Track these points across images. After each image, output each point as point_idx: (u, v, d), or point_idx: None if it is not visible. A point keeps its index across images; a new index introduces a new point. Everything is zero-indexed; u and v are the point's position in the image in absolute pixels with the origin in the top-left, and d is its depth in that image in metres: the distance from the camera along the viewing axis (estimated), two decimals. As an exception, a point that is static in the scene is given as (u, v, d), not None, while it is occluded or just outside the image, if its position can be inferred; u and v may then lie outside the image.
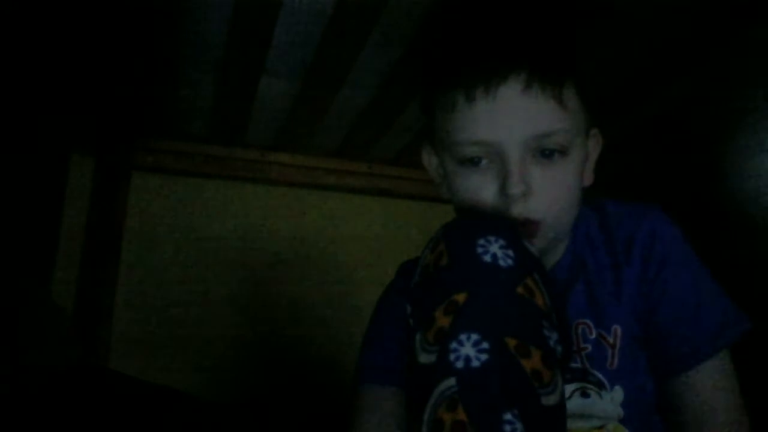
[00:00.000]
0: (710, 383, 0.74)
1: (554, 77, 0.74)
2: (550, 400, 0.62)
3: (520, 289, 0.64)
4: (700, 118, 1.40)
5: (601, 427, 0.74)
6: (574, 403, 0.74)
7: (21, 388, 1.02)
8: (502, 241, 0.66)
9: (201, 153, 1.69)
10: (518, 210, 0.74)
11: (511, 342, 0.62)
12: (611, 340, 0.77)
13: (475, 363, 0.61)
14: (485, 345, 0.61)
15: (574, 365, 0.76)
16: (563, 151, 0.75)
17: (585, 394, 0.75)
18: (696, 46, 1.14)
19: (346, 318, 1.70)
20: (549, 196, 0.75)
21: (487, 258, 0.65)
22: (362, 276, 1.74)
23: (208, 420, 1.21)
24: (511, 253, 0.65)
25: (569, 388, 0.75)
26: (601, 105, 0.82)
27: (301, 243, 1.77)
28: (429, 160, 0.87)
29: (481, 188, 0.76)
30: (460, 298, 0.63)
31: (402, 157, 1.72)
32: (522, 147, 0.73)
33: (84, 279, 1.60)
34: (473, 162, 0.76)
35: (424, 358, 0.64)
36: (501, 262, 0.64)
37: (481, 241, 0.66)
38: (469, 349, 0.61)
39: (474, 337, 0.61)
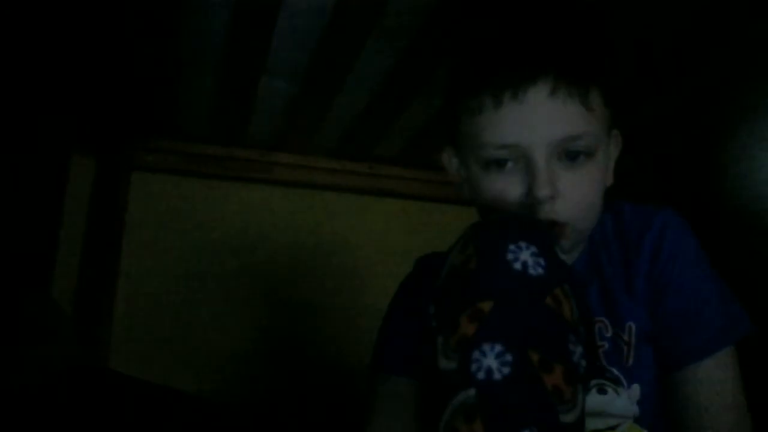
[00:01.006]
0: (711, 380, 0.74)
1: (581, 81, 0.74)
2: (568, 417, 0.61)
3: (548, 300, 0.63)
4: (700, 118, 1.40)
5: (615, 427, 0.74)
6: (592, 400, 0.74)
7: (21, 388, 1.02)
8: (534, 248, 0.64)
9: (201, 153, 1.69)
10: (545, 213, 0.75)
11: (535, 356, 0.61)
12: (626, 338, 0.77)
13: (497, 376, 0.60)
14: (508, 357, 0.60)
15: None
16: (589, 153, 0.76)
17: (602, 391, 0.75)
18: (696, 46, 1.14)
19: (347, 316, 1.70)
20: (575, 198, 0.76)
21: (517, 266, 0.63)
22: (363, 275, 1.74)
23: (208, 420, 1.21)
24: (542, 261, 0.64)
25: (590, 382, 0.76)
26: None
27: (301, 243, 1.77)
28: (449, 161, 0.87)
29: (506, 191, 0.76)
30: (486, 306, 0.62)
31: (402, 156, 1.72)
32: (549, 150, 0.74)
33: (84, 279, 1.60)
34: (499, 164, 0.76)
35: (445, 364, 0.63)
36: (531, 271, 0.63)
37: (512, 247, 0.64)
38: (491, 361, 0.60)
39: (497, 348, 0.61)
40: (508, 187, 0.76)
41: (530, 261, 0.64)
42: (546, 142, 0.74)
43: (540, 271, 0.64)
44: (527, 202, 0.75)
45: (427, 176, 1.76)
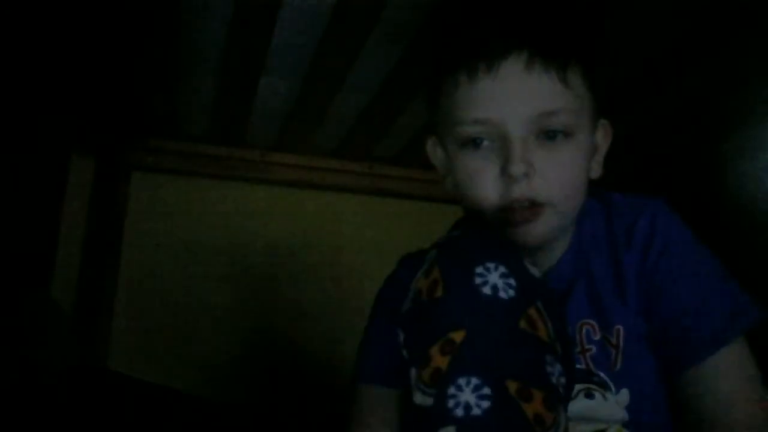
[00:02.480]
0: (727, 373, 0.70)
1: (558, 56, 0.72)
2: None
3: (522, 323, 0.61)
4: (700, 118, 1.40)
5: (602, 431, 0.72)
6: (578, 405, 0.72)
7: (21, 388, 1.02)
8: (502, 269, 0.62)
9: (201, 153, 1.69)
10: (521, 191, 0.72)
11: (513, 385, 0.59)
12: (614, 341, 0.74)
13: (476, 411, 0.58)
14: (486, 390, 0.58)
15: (578, 366, 0.74)
16: (568, 133, 0.73)
17: (589, 395, 0.73)
18: (696, 46, 1.14)
19: (346, 318, 1.70)
20: (553, 177, 0.73)
21: (487, 290, 0.61)
22: (362, 276, 1.74)
23: (208, 420, 1.21)
24: (512, 282, 0.62)
25: (574, 390, 0.73)
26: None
27: (300, 243, 1.76)
28: (434, 150, 0.84)
29: (482, 170, 0.74)
30: (458, 336, 0.60)
31: (402, 157, 1.72)
32: (524, 126, 0.72)
33: (84, 279, 1.60)
34: (475, 143, 0.74)
35: (420, 399, 0.61)
36: (502, 294, 0.61)
37: (480, 269, 0.62)
38: (468, 396, 0.58)
39: (474, 381, 0.58)
40: (484, 165, 0.74)
41: (500, 283, 0.61)
42: (521, 116, 0.72)
43: (511, 293, 0.61)
44: (503, 181, 0.73)
45: (427, 176, 1.76)
